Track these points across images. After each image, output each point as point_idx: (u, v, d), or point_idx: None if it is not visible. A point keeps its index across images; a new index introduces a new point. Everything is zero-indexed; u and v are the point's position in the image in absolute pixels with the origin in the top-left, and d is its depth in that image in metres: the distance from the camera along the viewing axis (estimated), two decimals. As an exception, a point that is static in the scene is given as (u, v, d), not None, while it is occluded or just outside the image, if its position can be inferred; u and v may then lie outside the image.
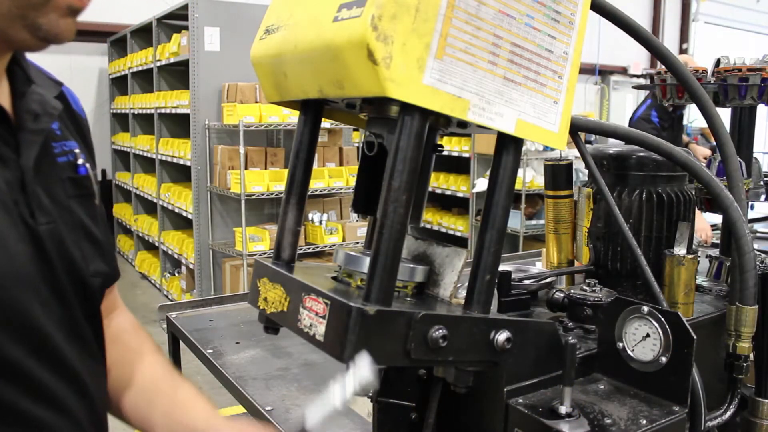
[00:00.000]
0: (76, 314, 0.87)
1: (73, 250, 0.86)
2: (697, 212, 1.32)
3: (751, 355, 1.11)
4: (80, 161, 0.92)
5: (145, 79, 7.21)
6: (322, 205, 5.74)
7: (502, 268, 1.04)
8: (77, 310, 0.87)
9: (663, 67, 1.21)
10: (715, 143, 1.20)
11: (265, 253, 5.20)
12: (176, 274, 6.70)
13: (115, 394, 1.04)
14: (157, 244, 6.84)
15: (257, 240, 5.30)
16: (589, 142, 5.05)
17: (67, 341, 0.85)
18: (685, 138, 5.60)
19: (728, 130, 1.24)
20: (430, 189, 0.96)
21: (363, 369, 0.70)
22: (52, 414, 0.82)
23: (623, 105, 12.93)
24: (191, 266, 5.88)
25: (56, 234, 0.84)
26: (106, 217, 1.01)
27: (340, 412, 0.73)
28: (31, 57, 0.90)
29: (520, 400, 0.93)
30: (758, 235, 2.05)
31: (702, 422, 0.99)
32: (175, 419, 1.00)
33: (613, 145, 1.27)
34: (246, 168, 5.30)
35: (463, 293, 0.85)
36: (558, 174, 1.26)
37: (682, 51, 13.57)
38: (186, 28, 5.58)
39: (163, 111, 6.39)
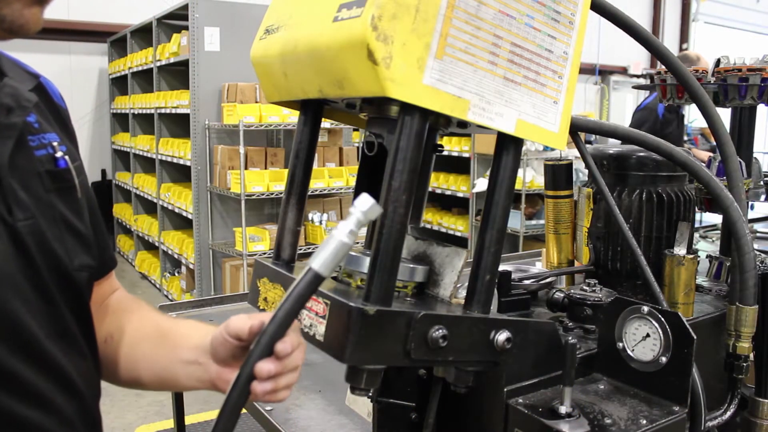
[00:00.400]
0: (62, 311, 0.86)
1: (56, 245, 0.85)
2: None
3: (751, 355, 1.11)
4: (59, 154, 0.90)
5: (145, 79, 7.20)
6: (322, 205, 5.74)
7: (502, 268, 1.04)
8: (62, 307, 0.86)
9: (663, 67, 1.21)
10: (715, 143, 1.20)
11: (265, 253, 5.19)
12: (176, 274, 6.69)
13: (118, 356, 1.02)
14: (157, 244, 6.84)
15: (257, 240, 5.30)
16: (589, 142, 5.05)
17: (53, 339, 0.84)
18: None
19: (728, 130, 1.24)
20: (430, 189, 0.96)
21: (365, 201, 0.68)
22: (39, 413, 0.82)
23: (623, 105, 12.92)
24: (191, 266, 5.87)
25: (36, 229, 0.82)
26: (97, 208, 0.99)
27: (346, 253, 0.69)
28: (30, 56, 0.90)
29: (520, 400, 0.93)
30: (758, 235, 2.05)
31: (702, 422, 0.99)
32: (185, 346, 0.97)
33: (613, 145, 1.27)
34: (246, 168, 5.29)
35: (463, 293, 0.85)
36: (558, 174, 1.26)
37: (682, 51, 13.57)
38: (186, 28, 5.57)
39: (163, 111, 6.38)
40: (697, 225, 2.02)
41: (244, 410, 1.71)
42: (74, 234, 0.90)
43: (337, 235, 0.68)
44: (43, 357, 0.82)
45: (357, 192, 0.93)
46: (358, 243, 0.85)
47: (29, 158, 0.85)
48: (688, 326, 0.94)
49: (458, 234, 7.10)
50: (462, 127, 0.91)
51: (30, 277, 0.81)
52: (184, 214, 6.00)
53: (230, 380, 0.73)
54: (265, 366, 0.74)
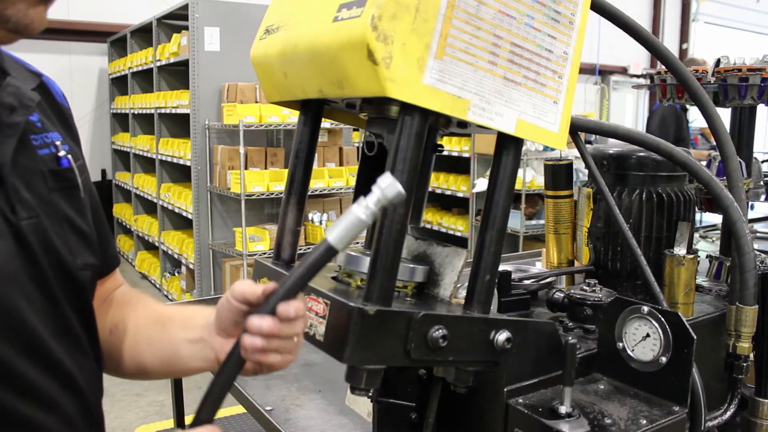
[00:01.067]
0: (64, 309, 0.86)
1: (59, 244, 0.85)
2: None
3: (751, 355, 1.11)
4: (62, 153, 0.90)
5: (145, 79, 7.20)
6: (322, 205, 5.73)
7: (502, 268, 1.04)
8: (65, 306, 0.86)
9: (663, 67, 1.21)
10: (715, 143, 1.20)
11: (265, 253, 5.19)
12: (176, 274, 6.69)
13: (122, 345, 1.02)
14: (157, 244, 6.84)
15: (257, 240, 5.30)
16: (589, 142, 5.05)
17: (55, 337, 0.84)
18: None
19: (728, 130, 1.24)
20: (430, 189, 0.96)
21: (387, 181, 0.68)
22: (41, 412, 0.82)
23: (623, 105, 12.92)
24: (191, 266, 5.87)
25: (39, 228, 0.83)
26: (100, 207, 0.99)
27: (362, 230, 0.69)
28: (31, 56, 0.90)
29: (520, 400, 0.93)
30: (758, 235, 2.05)
31: (702, 422, 0.99)
32: (190, 327, 0.97)
33: (613, 145, 1.27)
34: (246, 168, 5.29)
35: (463, 293, 0.85)
36: (558, 174, 1.26)
37: (683, 51, 13.57)
38: (186, 28, 5.57)
39: (163, 111, 6.38)
40: (697, 225, 2.02)
41: (243, 410, 1.72)
42: (77, 233, 0.90)
43: (356, 212, 0.68)
44: (46, 355, 0.83)
45: (357, 192, 0.93)
46: (358, 243, 0.85)
47: (32, 157, 0.85)
48: (688, 326, 0.94)
49: (458, 234, 7.10)
50: (462, 127, 0.91)
51: (33, 275, 0.81)
52: (184, 214, 6.00)
53: None
54: (257, 320, 0.73)
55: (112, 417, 3.93)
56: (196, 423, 0.75)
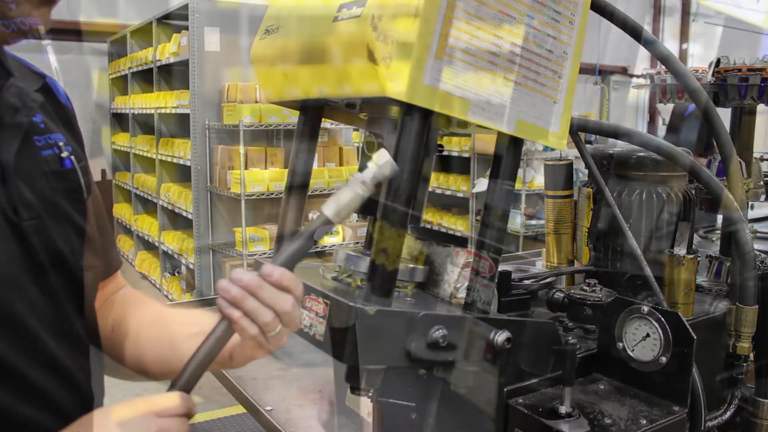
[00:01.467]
0: (66, 310, 0.86)
1: (61, 245, 0.85)
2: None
3: (751, 355, 1.11)
4: (65, 154, 0.89)
5: (145, 79, 7.19)
6: (322, 205, 5.73)
7: (502, 268, 1.04)
8: (67, 307, 0.86)
9: (663, 66, 1.21)
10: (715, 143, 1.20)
11: (265, 253, 5.19)
12: (176, 274, 6.68)
13: (124, 343, 1.02)
14: (157, 244, 6.83)
15: (257, 240, 5.30)
16: (589, 142, 5.05)
17: (56, 338, 0.84)
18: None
19: (728, 130, 1.24)
20: (430, 189, 0.96)
21: (383, 157, 0.70)
22: (45, 414, 0.82)
23: (623, 105, 12.91)
24: (191, 266, 5.87)
25: (42, 229, 0.82)
26: (103, 209, 0.99)
27: (358, 204, 0.71)
28: (30, 55, 0.90)
29: (520, 400, 0.93)
30: (758, 235, 2.05)
31: (702, 422, 0.99)
32: (192, 323, 0.96)
33: (613, 145, 1.27)
34: (246, 168, 5.29)
35: (463, 293, 0.85)
36: (558, 174, 1.26)
37: (683, 51, 13.56)
38: (186, 28, 5.57)
39: (163, 111, 6.38)
40: (697, 225, 2.02)
41: (243, 410, 1.71)
42: (79, 234, 0.90)
43: (352, 186, 0.70)
44: (48, 358, 0.83)
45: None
46: (358, 243, 0.85)
47: (35, 158, 0.85)
48: (688, 326, 0.94)
49: (458, 234, 7.10)
50: (462, 127, 0.91)
51: (35, 276, 0.81)
52: (184, 214, 6.00)
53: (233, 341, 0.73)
54: (240, 272, 0.73)
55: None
56: (173, 388, 0.74)
